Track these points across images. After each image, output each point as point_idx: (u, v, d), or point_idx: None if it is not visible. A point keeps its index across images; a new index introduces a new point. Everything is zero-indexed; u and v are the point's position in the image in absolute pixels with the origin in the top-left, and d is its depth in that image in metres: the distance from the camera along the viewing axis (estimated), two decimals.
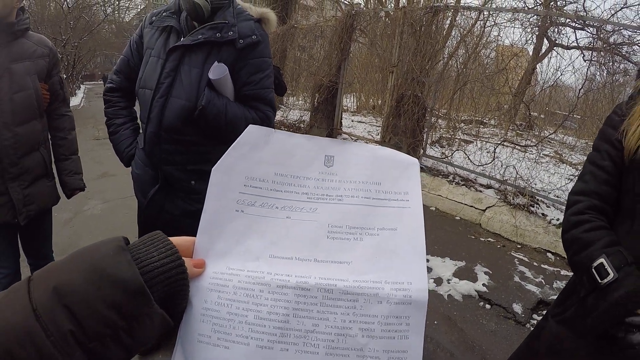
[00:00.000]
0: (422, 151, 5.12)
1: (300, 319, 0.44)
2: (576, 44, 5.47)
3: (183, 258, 0.42)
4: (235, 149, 0.52)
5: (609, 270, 0.84)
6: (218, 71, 1.34)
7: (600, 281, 0.85)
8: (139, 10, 26.67)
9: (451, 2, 6.61)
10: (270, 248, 0.48)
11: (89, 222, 3.56)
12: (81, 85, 23.28)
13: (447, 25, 5.65)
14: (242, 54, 1.40)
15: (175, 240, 0.44)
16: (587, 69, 4.65)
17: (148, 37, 1.49)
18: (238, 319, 0.44)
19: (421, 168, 4.95)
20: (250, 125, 0.53)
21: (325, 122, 6.02)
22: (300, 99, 7.22)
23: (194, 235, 0.49)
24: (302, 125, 6.32)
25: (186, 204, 1.51)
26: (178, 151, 1.44)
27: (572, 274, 1.05)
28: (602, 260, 0.86)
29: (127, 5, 25.56)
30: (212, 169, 0.51)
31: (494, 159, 4.59)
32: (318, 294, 0.45)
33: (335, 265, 0.47)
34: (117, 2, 23.29)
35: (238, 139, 0.52)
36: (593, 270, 0.87)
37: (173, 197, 1.51)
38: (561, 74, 5.44)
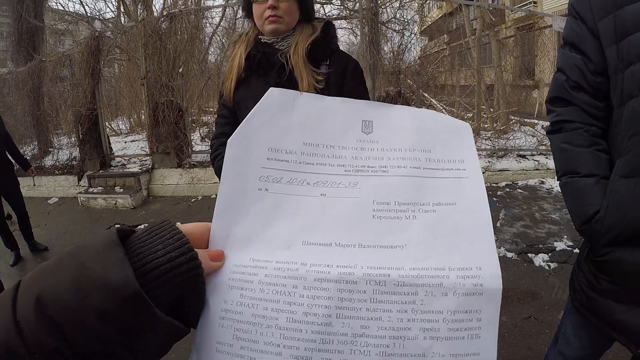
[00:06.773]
0: (190, 150, 5.40)
1: (345, 320, 0.36)
2: None
3: (196, 250, 0.34)
4: (255, 116, 0.43)
5: None
6: None
7: None
8: None
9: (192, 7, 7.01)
10: (303, 233, 0.40)
11: None
12: None
13: (190, 28, 6.00)
14: None
15: (186, 228, 0.37)
16: None
17: None
18: (266, 323, 0.36)
19: (192, 164, 5.24)
20: (271, 88, 0.45)
21: (95, 151, 5.71)
22: (66, 135, 6.56)
23: None
24: (74, 163, 5.87)
25: None
26: None
27: None
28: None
29: None
30: (227, 141, 0.42)
31: None
32: (367, 288, 0.36)
33: (385, 250, 0.39)
34: None
35: (257, 104, 0.44)
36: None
37: None
38: None
